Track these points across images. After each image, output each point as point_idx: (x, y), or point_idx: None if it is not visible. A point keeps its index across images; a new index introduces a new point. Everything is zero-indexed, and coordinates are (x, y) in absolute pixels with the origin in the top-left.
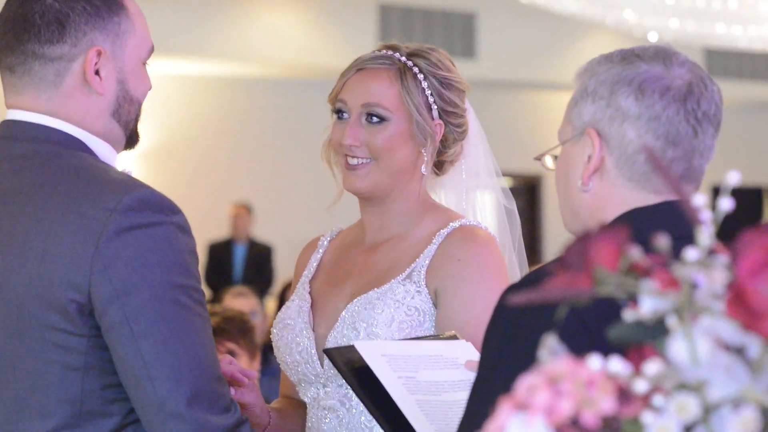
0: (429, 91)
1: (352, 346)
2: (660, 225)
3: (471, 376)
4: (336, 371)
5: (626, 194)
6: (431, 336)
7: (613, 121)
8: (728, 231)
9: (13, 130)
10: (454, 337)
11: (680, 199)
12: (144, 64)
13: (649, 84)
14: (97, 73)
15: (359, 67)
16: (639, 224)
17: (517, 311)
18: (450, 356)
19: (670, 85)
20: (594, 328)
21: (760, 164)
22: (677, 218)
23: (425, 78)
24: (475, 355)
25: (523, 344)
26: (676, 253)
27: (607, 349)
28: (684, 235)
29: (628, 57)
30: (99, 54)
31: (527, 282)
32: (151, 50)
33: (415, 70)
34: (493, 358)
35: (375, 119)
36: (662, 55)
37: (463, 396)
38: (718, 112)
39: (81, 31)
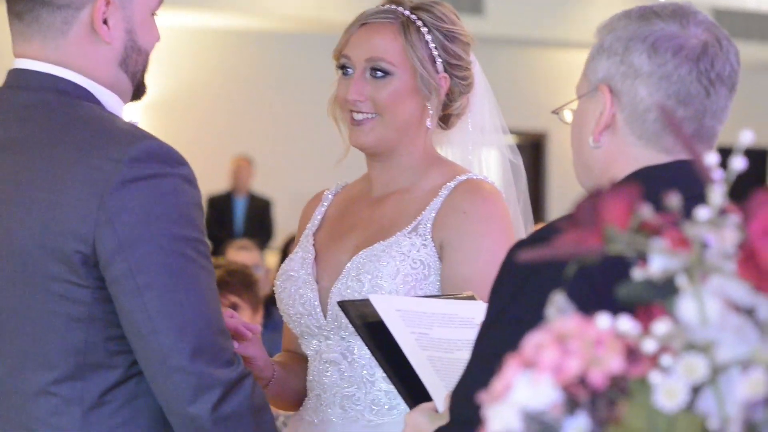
0: (433, 44)
1: (367, 300)
2: (670, 184)
3: None
4: (339, 324)
5: (636, 152)
6: (449, 295)
7: (626, 78)
8: (734, 191)
9: (19, 79)
10: (471, 298)
11: (691, 157)
12: (153, 14)
13: (662, 42)
14: (105, 22)
15: (363, 21)
16: (649, 182)
17: (524, 268)
18: (465, 316)
19: (684, 44)
20: (602, 287)
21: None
22: (688, 177)
23: (429, 31)
24: None
25: (529, 301)
26: (686, 212)
27: (614, 308)
28: (695, 195)
29: (646, 14)
30: (107, 3)
31: (536, 239)
32: (160, 1)
33: (419, 23)
34: (497, 313)
35: (379, 74)
36: (680, 13)
37: None
38: (733, 73)
39: None
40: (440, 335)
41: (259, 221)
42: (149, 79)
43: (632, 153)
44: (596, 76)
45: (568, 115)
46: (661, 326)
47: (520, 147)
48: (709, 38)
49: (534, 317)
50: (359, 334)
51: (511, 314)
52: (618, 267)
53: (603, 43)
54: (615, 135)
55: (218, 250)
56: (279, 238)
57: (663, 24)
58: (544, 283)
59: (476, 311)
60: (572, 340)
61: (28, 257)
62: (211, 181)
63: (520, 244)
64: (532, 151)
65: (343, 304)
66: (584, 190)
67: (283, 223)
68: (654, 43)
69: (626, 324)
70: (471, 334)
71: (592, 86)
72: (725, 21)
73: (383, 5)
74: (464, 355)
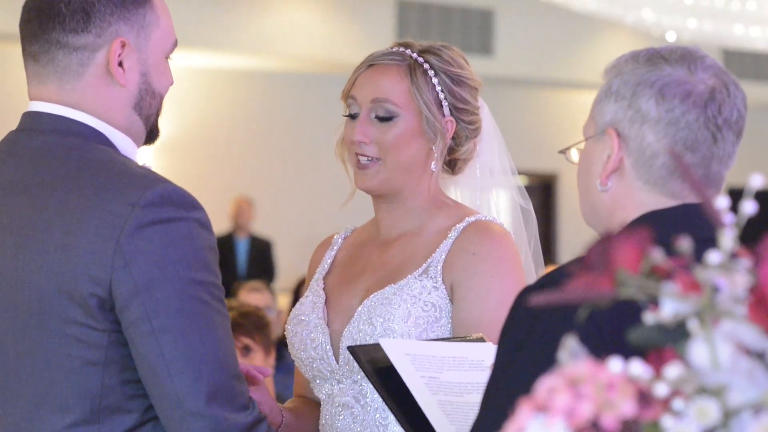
0: (440, 88)
1: (377, 345)
2: (678, 227)
3: None
4: (351, 368)
5: (643, 197)
6: (458, 337)
7: (633, 123)
8: (746, 234)
9: (34, 121)
10: (481, 340)
11: (702, 201)
12: (167, 58)
13: (670, 88)
14: (120, 65)
15: (370, 63)
16: (657, 226)
17: (534, 311)
18: (475, 358)
19: (691, 91)
20: (608, 332)
21: None
22: (695, 221)
23: (436, 74)
24: None
25: (539, 345)
26: (695, 256)
27: (622, 353)
28: (703, 238)
29: (654, 58)
30: (123, 45)
31: (546, 282)
32: (175, 44)
33: (426, 66)
34: (508, 357)
35: (384, 116)
36: (688, 58)
37: None
38: (740, 119)
39: (106, 21)
40: (450, 378)
41: (260, 262)
42: (161, 119)
43: (639, 197)
44: (604, 119)
45: (574, 155)
46: (672, 370)
47: (531, 188)
48: (717, 84)
49: (544, 361)
50: (369, 379)
51: (521, 359)
52: (625, 311)
53: (611, 86)
54: (622, 179)
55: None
56: (281, 280)
57: (671, 69)
58: (554, 328)
59: (486, 353)
60: (584, 384)
61: (44, 301)
62: (217, 223)
63: (529, 289)
64: (543, 192)
65: (353, 350)
66: (593, 231)
67: (284, 264)
68: (662, 88)
69: (638, 368)
70: (481, 377)
71: (599, 129)
72: (734, 62)
73: (392, 47)
74: (474, 398)
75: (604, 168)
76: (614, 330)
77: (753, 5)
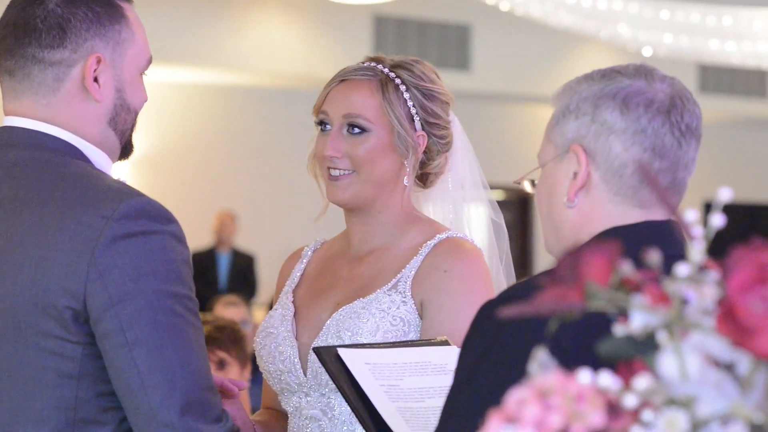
0: (411, 102)
1: (341, 346)
2: (642, 243)
3: None
4: (318, 381)
5: (611, 208)
6: (423, 341)
7: (599, 136)
8: (721, 248)
9: (9, 136)
10: (446, 343)
11: (668, 211)
12: (142, 74)
13: (633, 97)
14: (95, 80)
15: (342, 78)
16: (622, 241)
17: (496, 325)
18: (438, 362)
19: (653, 98)
20: (568, 348)
21: (753, 181)
22: (658, 237)
23: (407, 89)
24: None
25: (501, 358)
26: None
27: (589, 365)
28: (669, 254)
29: (609, 74)
30: (99, 61)
31: (509, 296)
32: (150, 61)
33: (397, 81)
34: (470, 370)
35: (356, 130)
36: (642, 71)
37: None
38: (699, 125)
39: (82, 37)
40: (411, 385)
41: (242, 277)
42: (137, 136)
43: (607, 209)
44: (565, 138)
45: (528, 185)
46: (641, 381)
47: (507, 202)
48: (674, 92)
49: (507, 374)
50: (333, 380)
51: (483, 372)
52: (585, 325)
53: (568, 106)
54: (590, 193)
55: (203, 305)
56: (263, 294)
57: (629, 80)
58: (516, 341)
59: (450, 356)
60: (554, 396)
61: (18, 313)
62: (196, 237)
63: (492, 302)
64: (519, 206)
65: (318, 351)
66: (552, 255)
67: (266, 279)
68: (625, 98)
69: (607, 379)
70: (444, 381)
71: (561, 149)
72: (710, 76)
73: (363, 62)
74: (436, 403)
75: (571, 185)
76: (574, 343)
77: (728, 20)
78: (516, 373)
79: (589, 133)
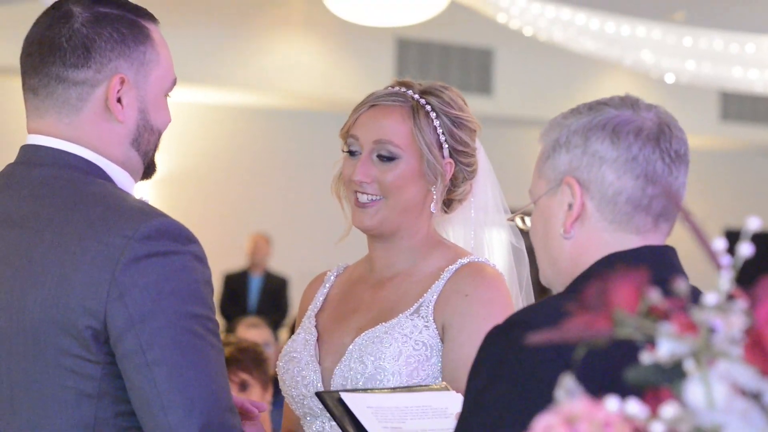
0: (441, 130)
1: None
2: (644, 267)
3: None
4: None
5: (607, 237)
6: (422, 386)
7: (591, 166)
8: (741, 276)
9: (32, 155)
10: (445, 389)
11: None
12: (166, 95)
13: (622, 127)
14: (119, 100)
15: (372, 103)
16: (625, 266)
17: (504, 349)
18: (439, 406)
19: (642, 126)
20: (582, 375)
21: None
22: (655, 261)
23: (437, 116)
24: None
25: (510, 381)
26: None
27: (595, 394)
28: (660, 279)
29: (595, 106)
30: (122, 81)
31: (515, 321)
32: (174, 83)
33: (428, 108)
34: (478, 396)
35: (386, 156)
36: (628, 101)
37: None
38: (687, 151)
39: (106, 57)
40: (414, 427)
41: (274, 299)
42: (160, 155)
43: (603, 238)
44: (557, 171)
45: (520, 222)
46: (668, 410)
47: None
48: (661, 120)
49: (516, 398)
50: (337, 422)
51: (493, 395)
52: (597, 355)
53: (558, 139)
54: (585, 224)
55: (231, 327)
56: (294, 317)
57: (616, 111)
58: (525, 364)
59: (449, 401)
60: (581, 423)
61: (39, 332)
62: (223, 258)
63: (498, 328)
64: None
65: (320, 395)
66: (549, 287)
67: (298, 301)
68: (614, 128)
69: (634, 407)
70: (445, 423)
71: (553, 183)
72: (733, 104)
73: (392, 87)
74: None
75: (567, 217)
76: (591, 372)
77: (752, 48)
78: (526, 397)
79: (582, 164)
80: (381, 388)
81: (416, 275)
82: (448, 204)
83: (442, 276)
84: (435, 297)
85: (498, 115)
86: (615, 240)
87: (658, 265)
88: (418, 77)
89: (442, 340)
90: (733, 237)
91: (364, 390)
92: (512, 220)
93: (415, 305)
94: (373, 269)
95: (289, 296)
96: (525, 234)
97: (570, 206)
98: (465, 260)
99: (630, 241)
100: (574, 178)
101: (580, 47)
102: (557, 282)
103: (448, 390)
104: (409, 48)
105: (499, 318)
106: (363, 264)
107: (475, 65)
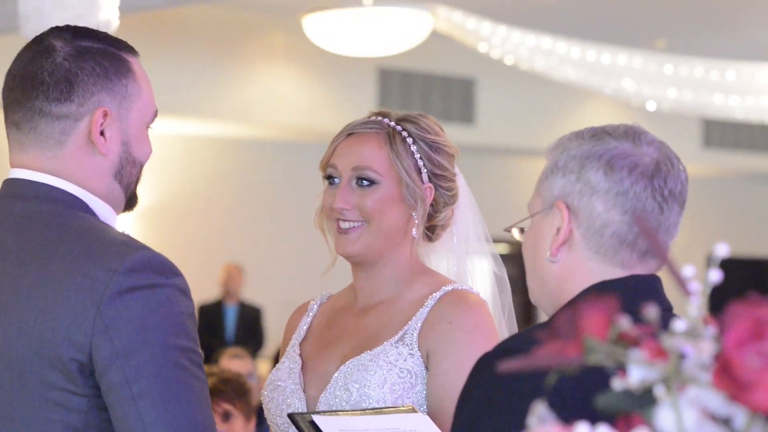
0: (418, 155)
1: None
2: (628, 297)
3: None
4: None
5: (593, 266)
6: (391, 408)
7: (582, 195)
8: (725, 303)
9: (15, 188)
10: (412, 411)
11: (662, 260)
12: (147, 127)
13: (618, 160)
14: (102, 134)
15: (349, 131)
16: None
17: (495, 378)
18: (408, 429)
19: (638, 162)
20: (570, 400)
21: (757, 236)
22: (645, 291)
23: (414, 142)
24: (433, 428)
25: (500, 411)
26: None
27: (584, 420)
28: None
29: (599, 134)
30: (105, 115)
31: (505, 349)
32: (155, 114)
33: (404, 134)
34: (470, 422)
35: (365, 182)
36: (632, 133)
37: None
38: (683, 190)
39: (89, 91)
40: None
41: (250, 329)
42: (142, 186)
43: (588, 267)
44: (552, 194)
45: (516, 233)
46: None
47: (511, 256)
48: (661, 157)
49: (507, 426)
50: None
51: (484, 424)
52: (588, 381)
53: (558, 162)
54: (571, 250)
55: (210, 357)
56: (270, 347)
57: (616, 142)
58: (516, 394)
59: (418, 424)
60: None
61: (25, 365)
62: (201, 289)
63: (489, 355)
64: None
65: (293, 417)
66: (537, 306)
67: (274, 331)
68: (609, 160)
69: None
70: None
71: (547, 204)
72: (714, 131)
73: (369, 117)
74: None
75: (554, 240)
76: (576, 397)
77: (732, 75)
78: (517, 425)
79: (574, 191)
80: (352, 410)
81: (400, 303)
82: (431, 231)
83: (426, 303)
84: (419, 324)
85: (481, 144)
86: (600, 271)
87: (647, 294)
88: (400, 107)
89: (427, 368)
90: (722, 264)
91: (335, 412)
92: (509, 230)
93: (400, 333)
94: (357, 297)
95: (264, 326)
96: (509, 261)
97: (558, 230)
98: (449, 288)
99: (615, 273)
100: (565, 203)
101: (561, 76)
102: (545, 302)
103: (416, 412)
104: (391, 78)
105: (482, 345)
106: (347, 292)
107: (457, 95)
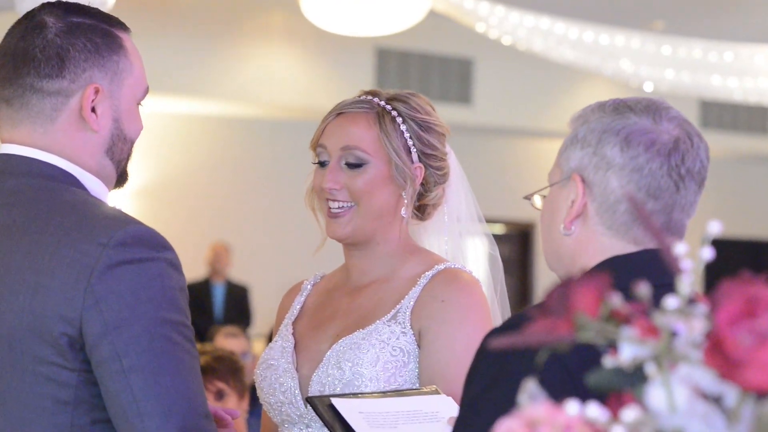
0: (408, 134)
1: (334, 395)
2: (639, 273)
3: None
4: None
5: (606, 242)
6: (413, 390)
7: (598, 169)
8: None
9: (6, 164)
10: (435, 392)
11: (659, 246)
12: (138, 104)
13: (635, 136)
14: (93, 110)
15: (338, 111)
16: (618, 272)
17: (499, 355)
18: (430, 411)
19: (656, 139)
20: (577, 374)
21: (755, 217)
22: (656, 267)
23: (404, 121)
24: (456, 410)
25: (505, 388)
26: (655, 301)
27: (590, 395)
28: (663, 284)
29: (620, 108)
30: (96, 91)
31: (509, 326)
32: (146, 91)
33: (394, 113)
34: (474, 401)
35: (354, 162)
36: (653, 108)
37: None
38: (702, 169)
39: (80, 67)
40: (405, 431)
41: (237, 308)
42: (137, 165)
43: (602, 242)
44: (569, 165)
45: (538, 201)
46: (630, 413)
47: (508, 236)
48: (681, 134)
49: (508, 404)
50: (327, 427)
51: (488, 400)
52: (592, 354)
53: (577, 134)
54: (585, 224)
55: (198, 335)
56: (257, 325)
57: (636, 118)
58: (518, 370)
59: (440, 405)
60: (542, 427)
61: (15, 340)
62: (194, 268)
63: (495, 332)
64: (520, 240)
65: (311, 401)
66: (557, 276)
67: (260, 310)
68: (627, 136)
69: (595, 410)
70: (435, 428)
71: (564, 175)
72: (712, 112)
73: (359, 96)
74: None
75: (568, 213)
76: (583, 372)
77: (730, 56)
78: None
79: (590, 164)
80: (372, 393)
81: (393, 282)
82: (422, 210)
83: (419, 282)
84: (412, 303)
85: (478, 124)
86: (613, 246)
87: (659, 269)
88: (398, 87)
89: (419, 346)
90: (713, 244)
91: (355, 395)
92: (529, 198)
93: (393, 311)
94: (349, 277)
95: (251, 305)
96: (505, 241)
97: (573, 203)
98: (441, 266)
99: (628, 249)
100: (581, 176)
101: (559, 56)
102: (560, 272)
103: (439, 393)
104: (389, 58)
105: (473, 323)
106: (340, 272)
107: (454, 75)
